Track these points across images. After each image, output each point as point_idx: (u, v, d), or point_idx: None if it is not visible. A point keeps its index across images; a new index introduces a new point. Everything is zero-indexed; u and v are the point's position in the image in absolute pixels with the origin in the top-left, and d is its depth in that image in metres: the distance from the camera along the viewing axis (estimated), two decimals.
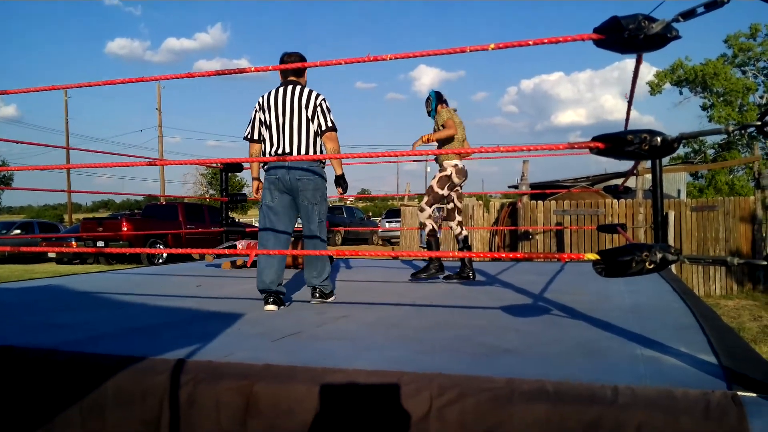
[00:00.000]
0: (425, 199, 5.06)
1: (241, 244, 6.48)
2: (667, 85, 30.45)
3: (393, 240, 23.00)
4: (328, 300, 3.71)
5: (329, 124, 3.71)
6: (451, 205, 5.20)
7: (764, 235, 10.35)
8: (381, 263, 6.99)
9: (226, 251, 6.03)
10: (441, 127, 4.91)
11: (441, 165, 5.01)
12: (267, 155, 3.73)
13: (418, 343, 2.41)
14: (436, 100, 5.10)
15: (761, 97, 29.04)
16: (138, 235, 15.18)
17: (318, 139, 3.72)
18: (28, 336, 2.60)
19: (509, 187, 16.81)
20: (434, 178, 5.03)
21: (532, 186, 13.67)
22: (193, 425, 1.88)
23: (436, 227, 5.06)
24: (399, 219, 15.24)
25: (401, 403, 1.71)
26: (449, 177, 4.94)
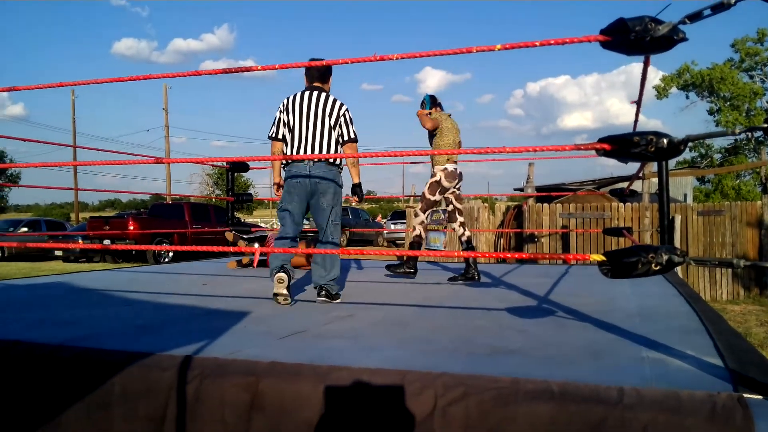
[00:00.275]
0: (419, 205, 5.20)
1: (271, 234, 6.53)
2: (674, 90, 30.34)
3: (398, 241, 23.05)
4: (334, 301, 3.71)
5: (351, 135, 3.88)
6: (450, 207, 5.28)
7: None
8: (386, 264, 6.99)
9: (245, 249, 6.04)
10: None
11: (432, 170, 5.14)
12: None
13: (423, 342, 2.41)
14: (430, 103, 5.20)
15: None
16: (144, 234, 15.22)
17: (339, 148, 3.86)
18: (35, 332, 2.62)
19: (515, 189, 16.79)
20: (426, 184, 5.14)
21: (538, 189, 13.65)
22: (198, 421, 1.89)
23: (423, 234, 5.18)
24: (404, 221, 15.25)
25: (406, 401, 1.71)
26: (438, 182, 5.05)
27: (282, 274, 3.53)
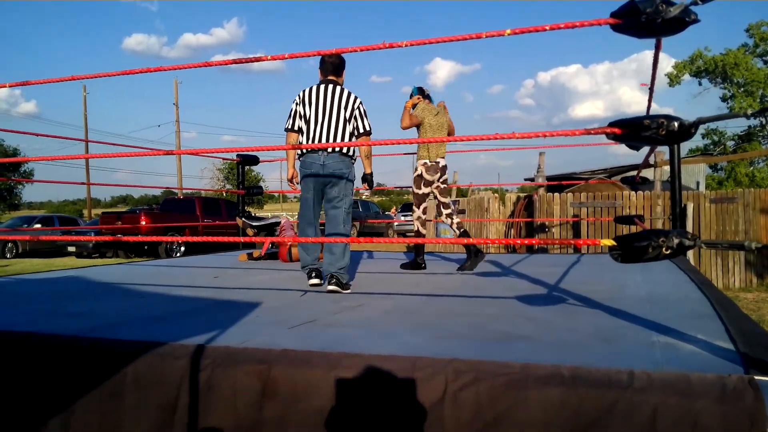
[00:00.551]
0: (414, 201, 5.31)
1: (284, 220, 6.50)
2: (686, 77, 30.04)
3: (408, 233, 23.08)
4: (344, 291, 3.72)
5: (366, 128, 4.06)
6: (435, 202, 5.34)
7: None
8: (396, 256, 7.00)
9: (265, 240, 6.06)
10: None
11: (415, 164, 5.26)
12: (302, 150, 3.98)
13: (434, 329, 2.42)
14: (418, 95, 5.29)
15: None
16: (156, 228, 15.33)
17: (351, 138, 4.01)
18: (49, 323, 2.65)
19: (525, 179, 16.72)
20: (412, 180, 5.28)
21: (549, 179, 13.60)
22: (210, 409, 1.91)
23: (422, 230, 5.32)
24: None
25: (416, 387, 1.72)
26: (421, 176, 5.16)
27: (315, 281, 3.91)
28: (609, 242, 1.96)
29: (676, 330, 2.27)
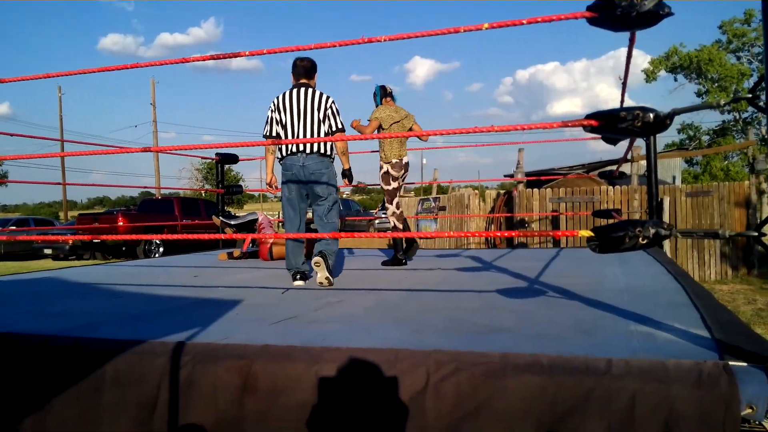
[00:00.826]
0: (385, 198, 5.41)
1: (261, 216, 6.41)
2: (662, 73, 30.43)
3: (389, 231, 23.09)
4: (327, 283, 3.83)
5: (339, 126, 4.19)
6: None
7: (759, 220, 10.39)
8: (377, 253, 7.01)
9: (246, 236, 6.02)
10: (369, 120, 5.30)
11: (380, 162, 5.36)
12: (283, 152, 4.15)
13: (415, 324, 2.43)
14: (381, 94, 5.37)
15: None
16: (134, 229, 15.16)
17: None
18: (28, 323, 2.61)
19: (505, 176, 16.82)
20: (380, 179, 5.36)
21: (528, 174, 13.69)
22: (190, 406, 1.89)
23: (399, 224, 5.40)
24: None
25: (399, 379, 1.72)
26: (387, 173, 5.28)
27: (300, 282, 3.97)
28: (587, 233, 1.98)
29: (654, 319, 2.30)
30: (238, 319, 2.68)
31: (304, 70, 4.21)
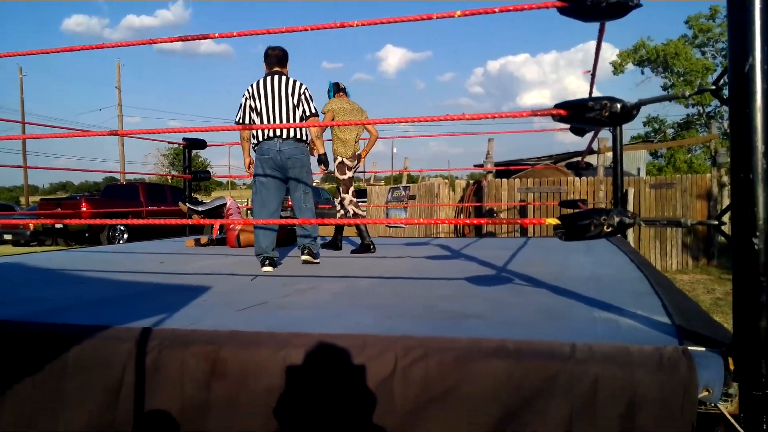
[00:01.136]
0: (341, 188, 5.59)
1: (230, 201, 6.31)
2: (630, 66, 30.95)
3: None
4: (316, 261, 4.19)
5: (312, 111, 4.30)
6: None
7: (719, 211, 10.68)
8: (347, 240, 7.01)
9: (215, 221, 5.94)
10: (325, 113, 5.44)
11: (333, 155, 5.53)
12: (257, 138, 4.24)
13: (385, 310, 2.44)
14: (334, 90, 5.57)
15: None
16: (98, 215, 14.85)
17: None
18: None
19: (475, 165, 16.95)
20: (335, 171, 5.53)
21: (497, 164, 13.81)
22: (156, 391, 1.87)
23: (358, 211, 5.65)
24: (365, 199, 15.27)
25: (367, 364, 1.73)
26: (342, 163, 5.47)
27: (269, 268, 3.97)
28: (554, 221, 2.01)
29: (617, 306, 2.35)
30: (205, 305, 2.66)
31: (277, 59, 4.33)
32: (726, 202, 10.65)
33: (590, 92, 4.68)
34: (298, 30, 2.30)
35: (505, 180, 11.07)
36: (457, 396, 1.64)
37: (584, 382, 1.57)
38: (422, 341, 1.76)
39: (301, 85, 4.27)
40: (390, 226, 13.45)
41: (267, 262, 4.03)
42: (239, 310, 2.48)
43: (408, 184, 14.16)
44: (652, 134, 31.20)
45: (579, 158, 8.66)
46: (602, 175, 10.53)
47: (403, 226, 13.09)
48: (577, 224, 1.90)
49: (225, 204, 6.21)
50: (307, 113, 4.26)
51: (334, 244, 5.54)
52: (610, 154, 7.40)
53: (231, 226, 5.72)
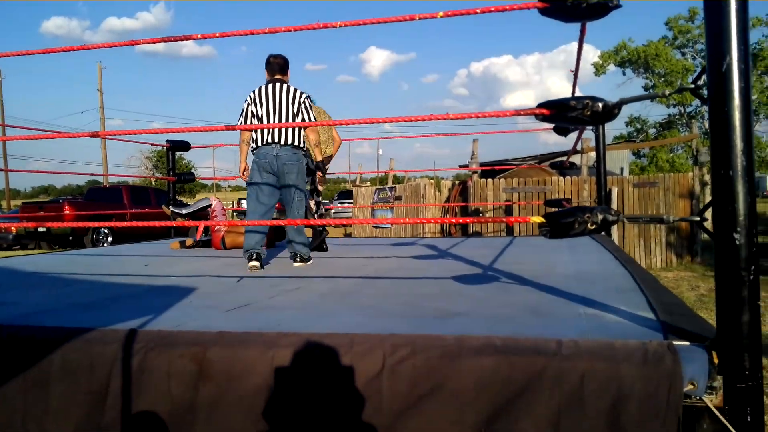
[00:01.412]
0: (316, 192, 5.62)
1: (215, 202, 6.25)
2: (611, 67, 31.25)
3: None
4: (308, 263, 4.27)
5: (312, 120, 4.40)
6: (311, 187, 5.66)
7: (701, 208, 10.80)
8: (333, 241, 7.00)
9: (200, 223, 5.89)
10: None
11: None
12: (257, 143, 4.34)
13: (372, 309, 2.44)
14: None
15: None
16: (81, 218, 14.68)
17: (301, 131, 4.41)
18: None
19: (460, 166, 17.01)
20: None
21: (482, 165, 13.87)
22: (143, 393, 1.86)
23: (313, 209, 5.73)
24: (351, 200, 15.26)
25: (355, 362, 1.73)
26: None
27: (255, 263, 4.04)
28: (538, 219, 2.03)
29: (602, 303, 2.38)
30: (191, 306, 2.64)
31: (279, 67, 4.43)
32: (708, 199, 10.78)
33: (573, 93, 4.72)
34: (280, 31, 2.30)
35: (490, 180, 11.12)
36: (445, 393, 1.65)
37: (571, 377, 1.58)
38: (409, 339, 1.76)
39: (301, 93, 4.38)
40: (376, 227, 13.46)
41: (254, 257, 4.06)
42: (226, 311, 2.47)
43: (394, 185, 14.18)
44: (635, 134, 31.52)
45: (563, 158, 8.72)
46: (586, 175, 10.61)
47: (389, 226, 13.10)
48: (561, 222, 1.92)
49: (210, 205, 6.14)
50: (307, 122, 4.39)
51: (320, 246, 5.53)
52: (593, 154, 7.47)
53: (216, 228, 5.68)
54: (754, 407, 1.56)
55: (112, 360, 1.89)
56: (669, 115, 31.06)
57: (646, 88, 30.69)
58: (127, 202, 16.33)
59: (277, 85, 4.35)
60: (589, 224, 1.89)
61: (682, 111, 30.21)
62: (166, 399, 1.84)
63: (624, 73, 31.50)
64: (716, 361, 1.59)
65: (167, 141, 6.86)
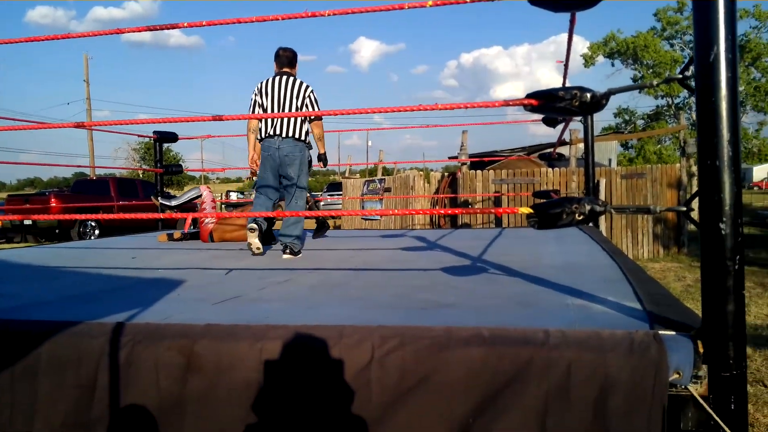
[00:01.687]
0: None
1: (205, 192, 6.16)
2: (600, 58, 31.37)
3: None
4: (297, 257, 4.28)
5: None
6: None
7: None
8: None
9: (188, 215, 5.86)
10: None
11: None
12: (262, 134, 4.48)
13: (361, 301, 2.44)
14: None
15: None
16: (68, 211, 14.57)
17: (306, 124, 4.51)
18: None
19: (449, 158, 17.02)
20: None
21: (471, 156, 13.89)
22: (130, 386, 1.85)
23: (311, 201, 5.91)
24: (340, 192, 15.24)
25: (343, 354, 1.73)
26: None
27: (253, 224, 4.22)
28: (526, 210, 2.03)
29: (589, 293, 2.39)
30: (179, 299, 2.63)
31: (287, 60, 4.56)
32: (695, 190, 10.88)
33: (563, 83, 4.73)
34: (268, 19, 2.28)
35: (479, 171, 11.14)
36: (433, 383, 1.65)
37: (558, 367, 1.59)
38: (398, 330, 1.76)
39: (307, 87, 4.46)
40: (366, 219, 13.46)
41: (254, 226, 4.22)
42: (214, 303, 2.46)
43: (383, 177, 14.17)
44: (623, 125, 31.70)
45: (551, 149, 8.75)
46: (574, 166, 10.66)
47: (379, 218, 13.11)
48: (549, 213, 1.92)
49: (200, 195, 6.04)
50: (312, 116, 4.45)
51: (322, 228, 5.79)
52: (581, 146, 7.50)
53: (204, 221, 5.63)
54: (737, 396, 1.58)
55: (100, 353, 1.88)
56: (657, 106, 31.27)
57: (634, 79, 30.84)
58: (114, 195, 16.21)
59: (284, 77, 4.46)
60: (576, 215, 1.90)
61: (670, 102, 30.40)
62: (154, 392, 1.84)
63: (613, 65, 31.68)
64: (701, 350, 1.61)
65: (154, 132, 6.81)
